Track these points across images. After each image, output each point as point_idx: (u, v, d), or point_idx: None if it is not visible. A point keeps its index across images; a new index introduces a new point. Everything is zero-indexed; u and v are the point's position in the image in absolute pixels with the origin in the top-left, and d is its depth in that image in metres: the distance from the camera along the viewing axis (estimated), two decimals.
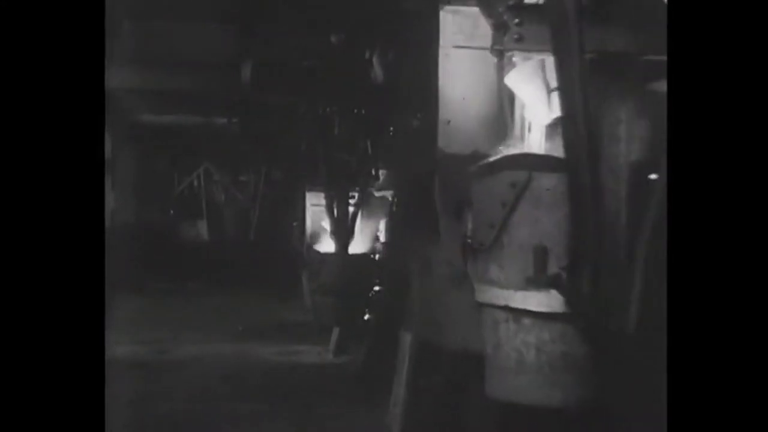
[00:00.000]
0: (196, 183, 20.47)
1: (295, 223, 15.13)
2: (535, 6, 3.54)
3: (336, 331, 9.09)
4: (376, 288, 9.05)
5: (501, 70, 3.81)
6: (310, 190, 13.14)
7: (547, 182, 3.48)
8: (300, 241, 14.18)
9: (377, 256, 10.65)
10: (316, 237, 13.05)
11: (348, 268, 10.49)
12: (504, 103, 3.88)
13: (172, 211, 19.87)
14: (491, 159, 3.70)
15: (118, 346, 8.14)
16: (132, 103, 13.72)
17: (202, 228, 19.73)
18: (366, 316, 8.51)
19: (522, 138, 3.70)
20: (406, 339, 5.44)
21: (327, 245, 11.86)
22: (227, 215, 20.12)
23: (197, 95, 13.36)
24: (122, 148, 15.95)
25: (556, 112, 3.35)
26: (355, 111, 10.39)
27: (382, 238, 10.37)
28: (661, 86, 2.93)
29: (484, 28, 3.96)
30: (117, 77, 10.51)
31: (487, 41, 3.88)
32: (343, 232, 10.97)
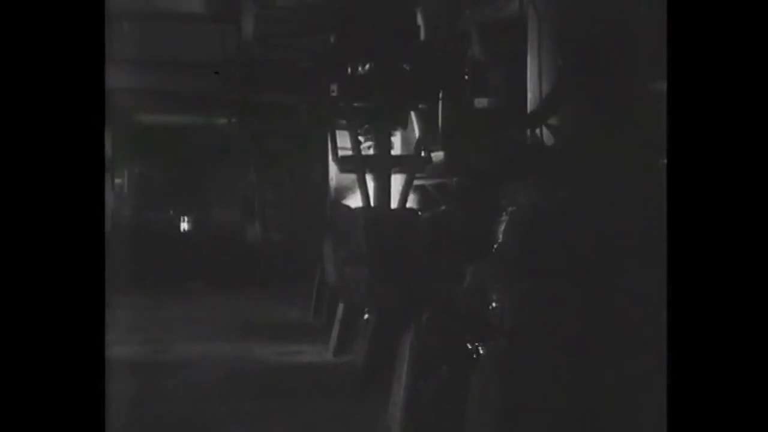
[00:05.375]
0: (253, 182, 19.81)
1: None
2: None
3: (336, 330, 9.04)
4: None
5: None
6: (338, 128, 9.04)
7: None
8: (322, 196, 10.78)
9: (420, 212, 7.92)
10: (342, 190, 9.89)
11: (387, 229, 7.63)
12: None
13: (171, 211, 19.79)
14: None
15: (118, 346, 8.13)
16: (132, 103, 13.74)
17: (255, 229, 19.04)
18: (366, 316, 8.44)
19: None
20: (407, 339, 5.44)
21: (357, 199, 8.43)
22: (270, 215, 19.38)
23: (197, 95, 13.39)
24: (122, 148, 15.95)
25: None
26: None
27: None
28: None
29: None
30: (117, 77, 10.52)
31: None
32: (381, 179, 8.02)
